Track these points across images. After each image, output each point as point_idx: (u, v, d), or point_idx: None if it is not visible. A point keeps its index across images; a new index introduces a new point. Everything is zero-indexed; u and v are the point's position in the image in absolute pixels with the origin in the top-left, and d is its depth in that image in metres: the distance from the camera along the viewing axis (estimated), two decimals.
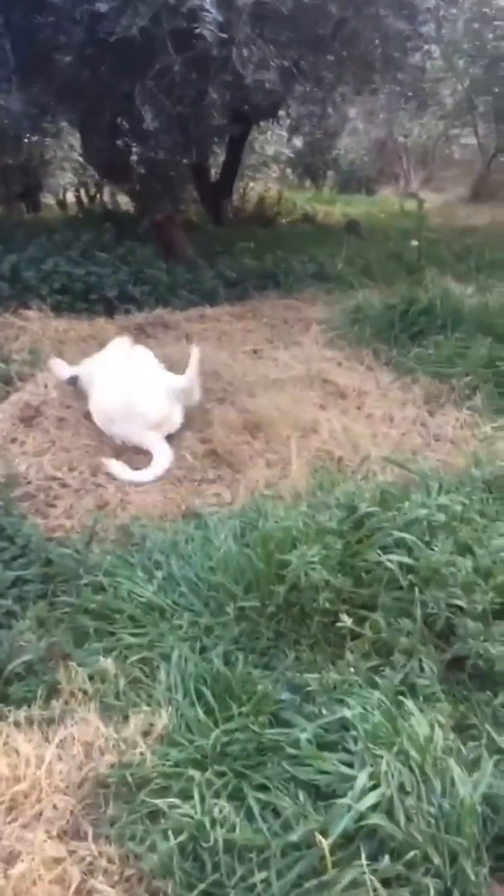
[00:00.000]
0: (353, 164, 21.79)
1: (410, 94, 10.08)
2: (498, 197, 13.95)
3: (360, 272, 6.11)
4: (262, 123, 11.03)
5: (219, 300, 5.49)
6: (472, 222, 10.50)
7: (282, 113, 11.66)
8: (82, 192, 10.35)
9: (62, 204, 10.43)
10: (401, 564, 2.10)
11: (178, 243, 6.85)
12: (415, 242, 8.26)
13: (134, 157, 6.18)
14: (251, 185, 14.38)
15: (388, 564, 2.09)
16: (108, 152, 5.96)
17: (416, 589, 2.08)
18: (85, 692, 2.00)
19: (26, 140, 8.21)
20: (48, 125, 6.63)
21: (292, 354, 4.19)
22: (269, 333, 4.73)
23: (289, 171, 17.93)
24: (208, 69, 5.15)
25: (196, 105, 5.41)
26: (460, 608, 2.07)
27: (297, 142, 14.88)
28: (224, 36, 4.63)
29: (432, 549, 2.15)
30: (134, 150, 5.83)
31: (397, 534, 2.17)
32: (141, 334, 4.51)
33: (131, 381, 3.34)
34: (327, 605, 2.03)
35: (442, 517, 2.28)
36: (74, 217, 8.80)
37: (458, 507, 2.34)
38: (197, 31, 4.08)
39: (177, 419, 3.34)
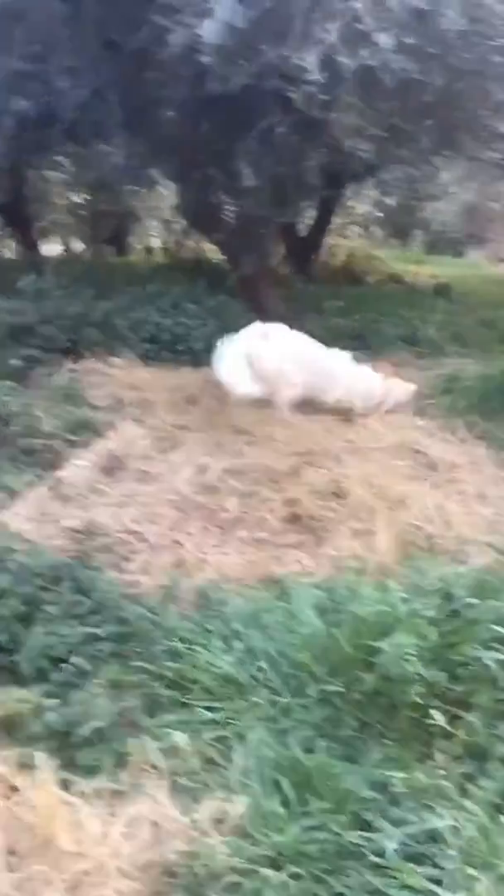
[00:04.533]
0: (445, 225, 21.85)
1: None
2: None
3: (452, 338, 5.99)
4: (355, 184, 11.16)
5: None
6: None
7: (375, 176, 11.80)
8: (171, 240, 10.66)
9: (149, 250, 10.75)
10: (501, 662, 1.96)
11: (268, 298, 6.90)
12: None
13: (228, 212, 6.31)
14: (339, 242, 14.52)
15: (487, 661, 1.95)
16: (201, 205, 6.09)
17: None
18: (155, 767, 1.91)
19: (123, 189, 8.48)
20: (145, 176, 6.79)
21: (383, 421, 4.09)
22: None
23: (375, 228, 18.06)
24: (309, 132, 5.23)
25: (294, 165, 5.48)
26: None
27: (390, 201, 14.98)
28: (326, 98, 4.70)
29: None
30: (227, 204, 5.94)
31: (497, 628, 2.02)
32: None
33: None
34: (418, 699, 1.90)
35: None
36: (163, 264, 9.02)
37: None
38: (293, 93, 4.13)
39: None
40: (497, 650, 2.01)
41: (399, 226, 18.23)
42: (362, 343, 5.94)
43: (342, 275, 11.70)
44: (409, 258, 16.75)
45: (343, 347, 5.85)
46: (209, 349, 5.10)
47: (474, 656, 1.97)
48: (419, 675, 1.91)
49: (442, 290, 8.83)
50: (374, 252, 15.25)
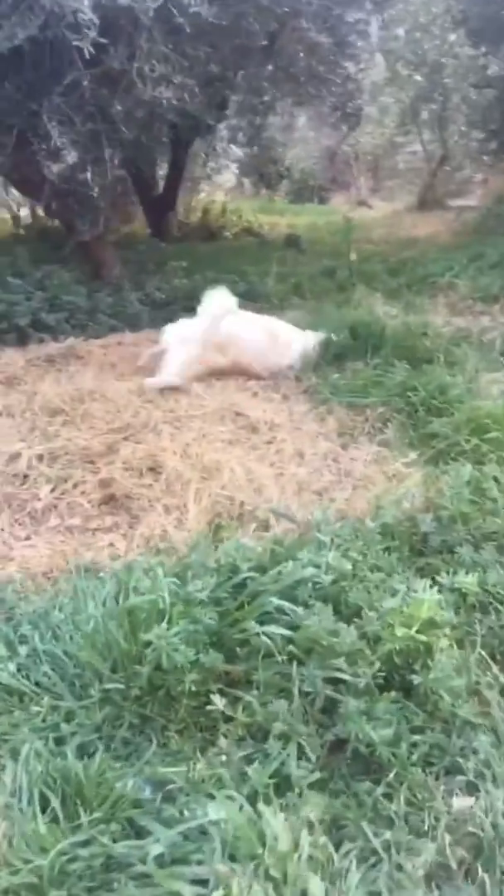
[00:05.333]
0: (305, 172, 21.82)
1: (349, 105, 10.05)
2: (443, 205, 13.95)
3: (292, 291, 5.94)
4: (201, 137, 10.90)
5: (142, 325, 5.27)
6: (415, 233, 10.43)
7: (221, 125, 11.54)
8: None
9: None
10: (277, 634, 1.91)
11: (108, 264, 6.65)
12: (354, 256, 8.17)
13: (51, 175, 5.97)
14: (203, 196, 14.22)
15: (264, 636, 1.90)
16: (21, 169, 5.74)
17: (295, 663, 1.90)
18: None
19: None
20: None
21: (208, 384, 3.99)
22: None
23: (246, 181, 17.82)
24: (114, 85, 4.97)
25: (106, 122, 5.22)
26: (344, 682, 1.89)
27: (242, 152, 14.74)
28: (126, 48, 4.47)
29: (316, 615, 1.96)
30: (47, 167, 5.63)
31: (275, 600, 1.98)
32: (50, 367, 4.28)
33: None
34: (194, 687, 1.83)
35: (329, 577, 2.10)
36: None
37: (349, 566, 2.16)
38: (77, 43, 3.89)
39: None
40: (276, 622, 1.96)
41: (264, 176, 18.02)
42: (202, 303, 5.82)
43: (199, 231, 11.50)
44: (271, 210, 16.64)
45: (182, 308, 5.75)
46: (36, 325, 4.86)
47: (253, 632, 1.92)
48: (194, 661, 1.83)
49: (292, 241, 8.78)
50: (239, 205, 15.08)
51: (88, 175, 5.59)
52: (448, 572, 2.34)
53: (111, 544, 2.81)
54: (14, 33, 4.02)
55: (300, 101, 9.84)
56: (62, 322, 4.91)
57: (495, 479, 2.68)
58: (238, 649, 1.94)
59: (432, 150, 15.97)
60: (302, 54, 6.28)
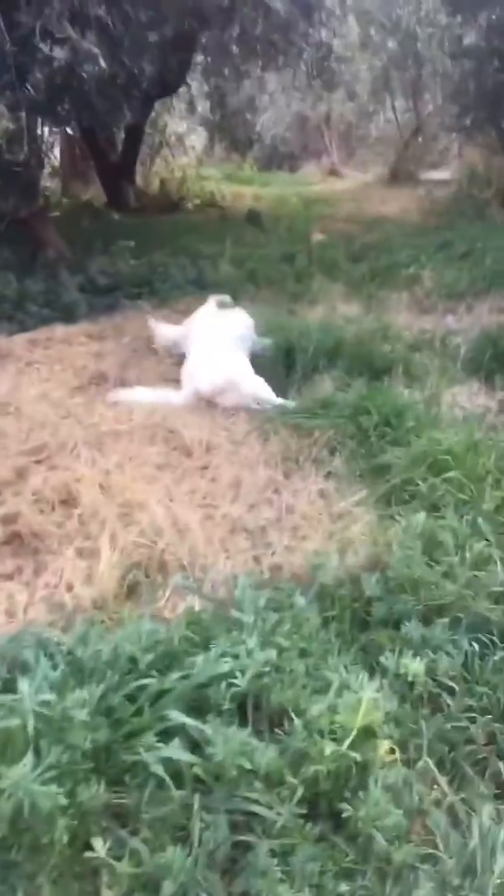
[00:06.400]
0: (275, 138, 21.13)
1: (321, 70, 9.56)
2: (416, 178, 13.48)
3: (247, 277, 5.50)
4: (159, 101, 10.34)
5: (78, 315, 4.80)
6: (384, 210, 9.98)
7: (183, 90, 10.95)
8: None
9: None
10: (169, 760, 1.55)
11: (48, 243, 6.15)
12: (320, 236, 7.73)
13: None
14: (170, 162, 13.55)
15: (155, 764, 1.54)
16: None
17: (198, 795, 1.54)
18: None
19: None
20: None
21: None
22: (124, 359, 4.09)
23: (217, 146, 17.13)
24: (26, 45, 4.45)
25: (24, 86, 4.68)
26: (257, 816, 1.55)
27: (210, 116, 14.09)
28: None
29: (223, 730, 1.61)
30: None
31: (178, 716, 1.61)
32: None
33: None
34: (66, 832, 1.47)
35: (248, 675, 1.74)
36: None
37: (273, 654, 1.81)
38: None
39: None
40: (179, 734, 1.61)
41: (235, 142, 17.23)
42: (148, 290, 5.36)
43: (158, 202, 10.94)
44: (239, 178, 16.04)
45: (126, 296, 5.30)
46: None
47: (142, 759, 1.55)
48: (67, 805, 1.47)
49: (253, 218, 8.28)
50: (203, 172, 14.48)
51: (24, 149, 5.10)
52: (394, 651, 2.00)
53: (10, 596, 2.42)
54: None
55: (266, 67, 9.32)
56: None
57: (453, 532, 2.34)
58: (128, 776, 1.58)
59: (405, 120, 15.46)
60: (259, 20, 5.78)
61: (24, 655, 1.93)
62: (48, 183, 10.16)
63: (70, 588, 2.39)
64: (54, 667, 1.77)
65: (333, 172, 18.46)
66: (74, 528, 2.65)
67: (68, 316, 4.75)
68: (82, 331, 4.50)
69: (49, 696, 1.57)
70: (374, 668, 1.99)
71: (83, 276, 5.44)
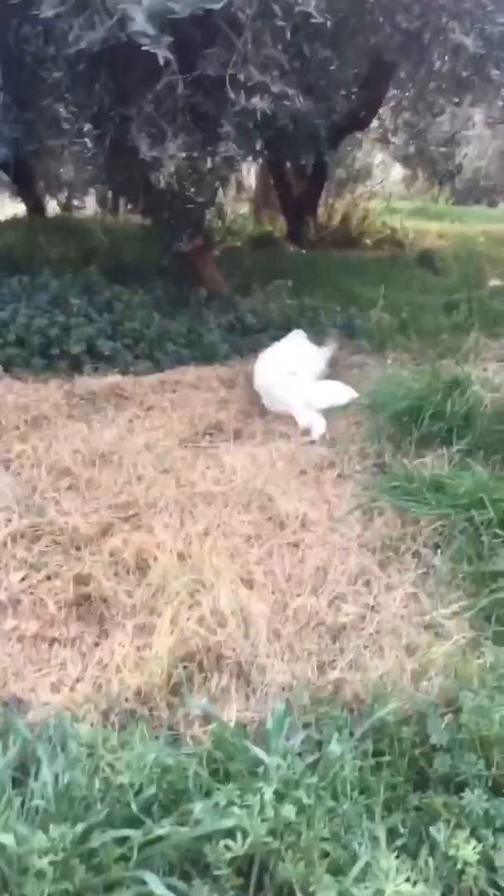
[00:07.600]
0: (476, 171, 20.41)
1: None
2: None
3: (399, 327, 5.17)
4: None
5: (219, 357, 4.71)
6: None
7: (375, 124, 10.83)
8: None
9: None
10: None
11: (207, 279, 6.17)
12: (497, 283, 7.27)
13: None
14: (358, 195, 13.43)
15: None
16: (116, 177, 5.38)
17: None
18: None
19: None
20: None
21: (249, 452, 3.38)
22: (247, 409, 3.93)
23: (419, 177, 16.85)
24: (213, 92, 4.45)
25: (204, 130, 4.71)
26: None
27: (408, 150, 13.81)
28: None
29: None
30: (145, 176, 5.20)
31: (153, 884, 1.38)
32: (89, 406, 3.83)
33: None
34: None
35: (252, 836, 1.47)
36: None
37: (292, 813, 1.53)
38: (147, 48, 3.38)
39: None
40: None
41: (432, 175, 16.77)
42: None
43: (337, 236, 10.82)
44: (429, 212, 15.59)
45: (271, 339, 5.16)
46: (92, 353, 4.44)
47: None
48: None
49: (426, 259, 7.89)
50: (391, 206, 14.19)
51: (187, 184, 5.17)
52: (448, 823, 1.65)
53: (62, 665, 2.31)
54: (81, 35, 3.59)
55: (461, 102, 9.00)
56: (121, 351, 4.42)
57: None
58: None
59: None
60: (446, 57, 5.48)
61: (38, 751, 1.79)
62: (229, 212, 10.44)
63: (119, 670, 2.23)
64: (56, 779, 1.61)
65: None
66: (142, 599, 2.50)
67: (208, 357, 4.66)
68: (215, 374, 4.40)
69: (8, 839, 1.39)
70: (422, 840, 1.66)
71: (233, 314, 5.37)
